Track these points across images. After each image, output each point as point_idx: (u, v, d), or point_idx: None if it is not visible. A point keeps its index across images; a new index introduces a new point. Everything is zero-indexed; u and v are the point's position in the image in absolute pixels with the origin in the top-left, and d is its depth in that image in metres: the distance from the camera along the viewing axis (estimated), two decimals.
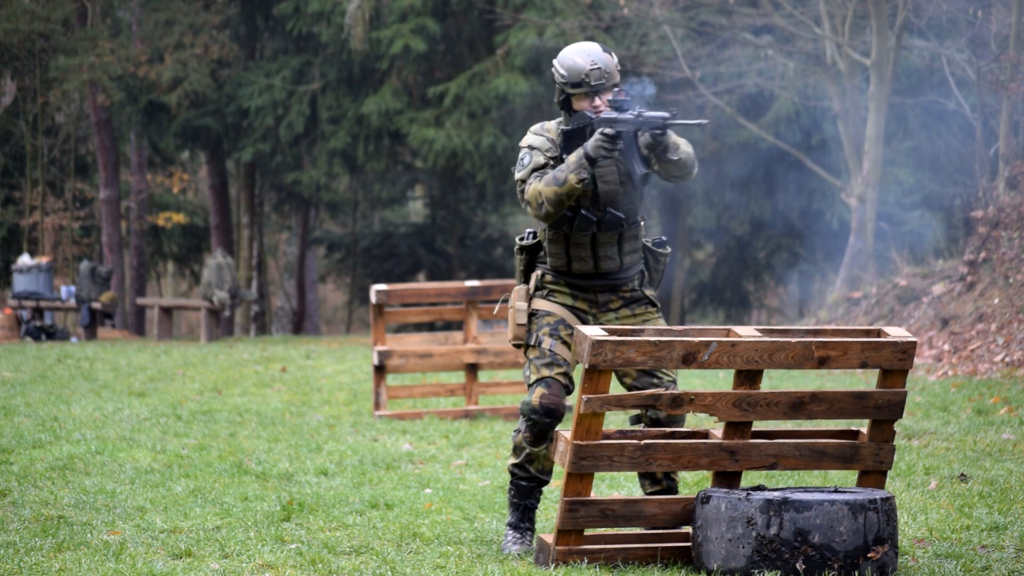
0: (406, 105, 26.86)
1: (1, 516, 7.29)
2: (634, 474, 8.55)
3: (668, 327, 6.42)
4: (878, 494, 6.04)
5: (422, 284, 13.86)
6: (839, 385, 13.60)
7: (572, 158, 6.42)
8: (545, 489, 8.44)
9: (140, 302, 26.72)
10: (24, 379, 14.35)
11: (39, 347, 19.90)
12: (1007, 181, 17.61)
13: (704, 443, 6.31)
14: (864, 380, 13.77)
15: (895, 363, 6.28)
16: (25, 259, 24.46)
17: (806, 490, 6.17)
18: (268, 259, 37.09)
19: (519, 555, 6.49)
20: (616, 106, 6.44)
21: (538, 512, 7.66)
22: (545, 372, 6.48)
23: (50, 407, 11.93)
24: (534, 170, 6.52)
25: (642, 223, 6.64)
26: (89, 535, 6.83)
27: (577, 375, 11.71)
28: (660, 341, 6.13)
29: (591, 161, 6.39)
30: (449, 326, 26.67)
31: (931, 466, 8.93)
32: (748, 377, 6.24)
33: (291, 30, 27.33)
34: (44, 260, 24.57)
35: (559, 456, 6.32)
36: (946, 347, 15.68)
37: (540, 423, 6.47)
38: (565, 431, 6.33)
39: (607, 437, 6.34)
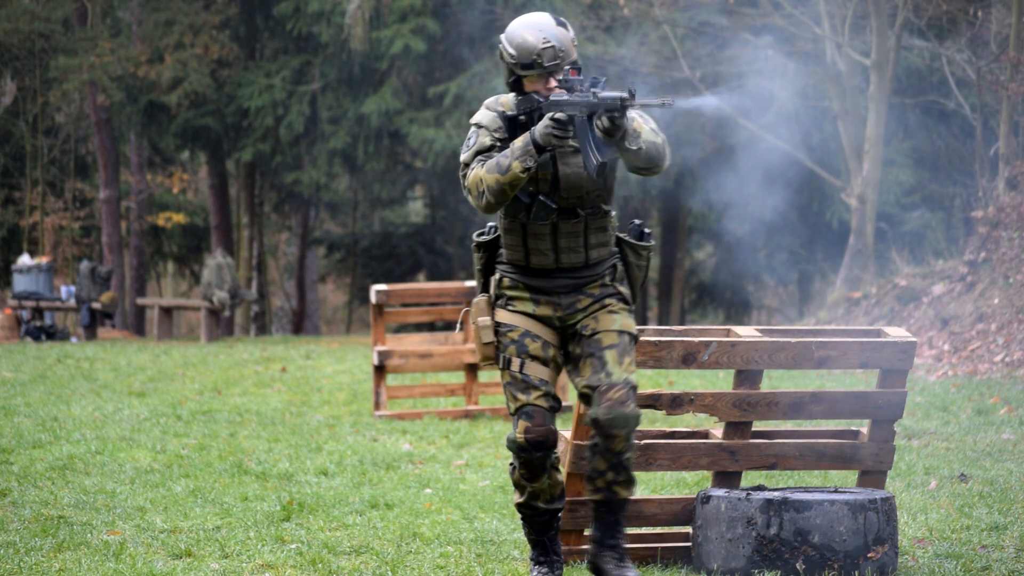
0: (406, 105, 26.87)
1: (1, 516, 7.29)
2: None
3: (668, 327, 6.41)
4: (878, 494, 6.04)
5: (422, 284, 13.87)
6: (839, 385, 13.60)
7: (518, 143, 5.65)
8: None
9: (140, 302, 26.71)
10: (24, 379, 14.35)
11: (39, 347, 19.90)
12: (1007, 181, 17.61)
13: (704, 443, 6.31)
14: (864, 380, 13.77)
15: (895, 363, 6.28)
16: (25, 259, 24.46)
17: (806, 490, 6.18)
18: (268, 259, 37.08)
19: None
20: (567, 86, 5.67)
21: None
22: (523, 399, 5.75)
23: (50, 407, 11.92)
24: (478, 152, 5.75)
25: (612, 214, 5.87)
26: (89, 535, 6.83)
27: None
28: (660, 341, 6.13)
29: (539, 149, 5.63)
30: (449, 326, 26.63)
31: (931, 466, 8.94)
32: (748, 377, 6.24)
33: (291, 30, 27.33)
34: (44, 260, 24.57)
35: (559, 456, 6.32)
36: (946, 347, 15.68)
37: (532, 459, 5.77)
38: (565, 431, 6.33)
39: None
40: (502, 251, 5.89)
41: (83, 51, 27.55)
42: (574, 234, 5.78)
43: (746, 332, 6.33)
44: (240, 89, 27.70)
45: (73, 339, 23.06)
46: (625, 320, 5.80)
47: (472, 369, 12.46)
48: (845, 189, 21.32)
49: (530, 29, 5.73)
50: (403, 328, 27.16)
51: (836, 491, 6.13)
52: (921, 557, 6.44)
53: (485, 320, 5.84)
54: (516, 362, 5.76)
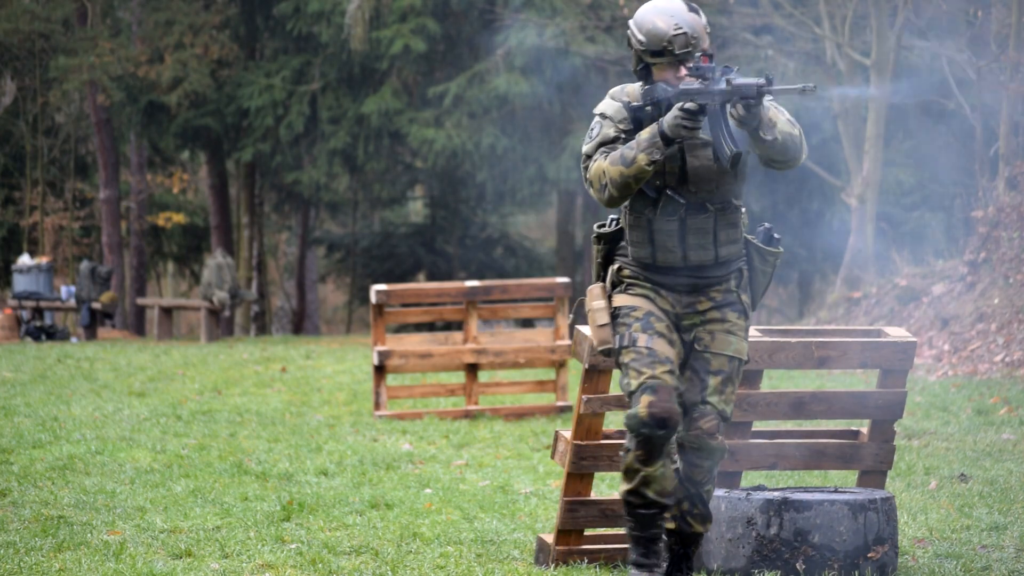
0: (406, 105, 26.87)
1: (1, 516, 7.29)
2: None
3: None
4: (878, 494, 6.04)
5: (422, 284, 13.87)
6: (839, 385, 13.60)
7: (645, 134, 5.39)
8: (545, 489, 8.41)
9: (140, 302, 26.72)
10: (24, 379, 14.35)
11: (39, 347, 19.89)
12: (1007, 181, 17.61)
13: None
14: (864, 380, 13.78)
15: (895, 363, 6.28)
16: (25, 259, 24.46)
17: (806, 490, 6.17)
18: (268, 259, 37.09)
19: None
20: (698, 73, 5.39)
21: (538, 512, 7.65)
22: (648, 372, 5.42)
23: (50, 407, 11.93)
24: (601, 144, 5.50)
25: (743, 210, 5.60)
26: (89, 535, 6.83)
27: (577, 376, 11.70)
28: None
29: (667, 141, 5.37)
30: (449, 326, 26.66)
31: (931, 466, 8.94)
32: (748, 377, 6.24)
33: (291, 30, 27.34)
34: (44, 260, 24.58)
35: (559, 456, 6.32)
36: (946, 347, 15.67)
37: (653, 436, 5.40)
38: (565, 431, 6.33)
39: (607, 437, 6.34)
40: (624, 245, 5.64)
41: (83, 51, 27.56)
42: (703, 230, 5.52)
43: None
44: (240, 89, 27.70)
45: (73, 339, 23.07)
46: (739, 344, 5.55)
47: (472, 369, 12.46)
48: (845, 189, 21.32)
49: (661, 15, 5.48)
50: (403, 328, 27.17)
51: (836, 491, 6.13)
52: (921, 557, 6.44)
53: (600, 303, 5.59)
54: (643, 337, 5.47)
